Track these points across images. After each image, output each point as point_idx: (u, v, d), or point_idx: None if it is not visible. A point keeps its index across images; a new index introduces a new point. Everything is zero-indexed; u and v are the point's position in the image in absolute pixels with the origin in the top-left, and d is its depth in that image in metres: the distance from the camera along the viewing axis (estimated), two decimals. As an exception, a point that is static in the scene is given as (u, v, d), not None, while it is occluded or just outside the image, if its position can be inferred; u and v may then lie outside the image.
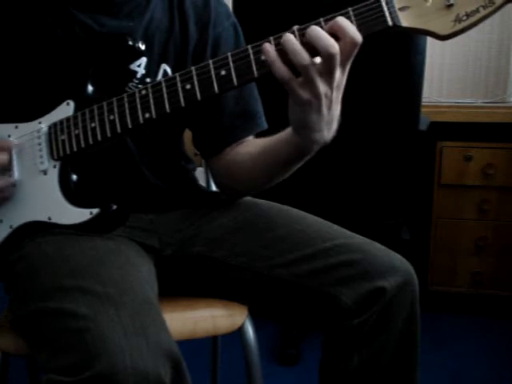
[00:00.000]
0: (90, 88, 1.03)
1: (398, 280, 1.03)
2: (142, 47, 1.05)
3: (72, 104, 1.03)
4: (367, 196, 1.90)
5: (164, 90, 0.93)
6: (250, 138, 1.19)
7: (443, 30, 0.83)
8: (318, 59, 0.85)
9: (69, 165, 1.03)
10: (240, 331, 1.12)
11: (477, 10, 0.81)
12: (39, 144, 1.04)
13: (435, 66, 2.63)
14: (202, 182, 1.30)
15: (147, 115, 0.95)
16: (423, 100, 1.87)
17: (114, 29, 1.08)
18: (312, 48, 0.84)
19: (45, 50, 1.07)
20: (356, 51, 0.84)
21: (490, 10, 0.80)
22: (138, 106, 0.95)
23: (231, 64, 0.89)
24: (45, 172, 1.04)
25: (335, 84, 0.86)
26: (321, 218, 1.16)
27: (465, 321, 2.34)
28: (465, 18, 0.81)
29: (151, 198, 1.17)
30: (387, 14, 0.83)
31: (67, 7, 1.07)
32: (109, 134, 0.98)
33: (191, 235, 1.16)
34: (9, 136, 1.07)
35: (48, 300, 0.90)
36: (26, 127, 1.06)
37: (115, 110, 0.97)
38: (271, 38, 0.86)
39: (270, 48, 0.86)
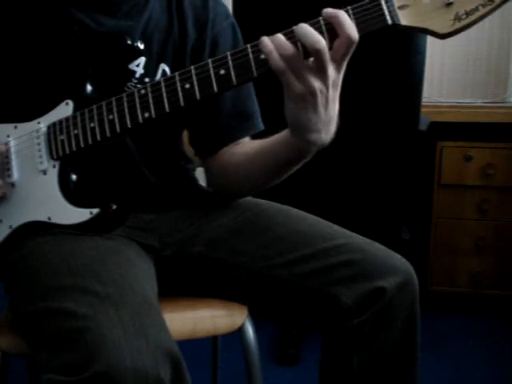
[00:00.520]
0: (88, 88, 1.03)
1: (398, 280, 1.03)
2: (141, 46, 1.05)
3: (71, 104, 1.03)
4: (367, 196, 1.90)
5: (163, 89, 0.93)
6: (247, 139, 1.18)
7: (442, 29, 0.83)
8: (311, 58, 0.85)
9: (68, 165, 1.03)
10: (240, 331, 1.12)
11: (476, 9, 0.80)
12: (38, 144, 1.04)
13: (435, 66, 2.63)
14: (202, 182, 1.30)
15: (146, 115, 0.95)
16: (423, 100, 1.87)
17: (112, 28, 1.08)
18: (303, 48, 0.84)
19: (44, 50, 1.07)
20: (352, 50, 0.84)
21: (489, 8, 0.80)
22: (138, 106, 0.95)
23: (230, 63, 0.89)
24: (44, 172, 1.04)
25: (330, 81, 0.86)
26: (321, 218, 1.16)
27: (465, 321, 2.34)
28: (464, 16, 0.81)
29: (151, 198, 1.17)
30: (386, 12, 0.83)
31: (66, 7, 1.07)
32: (108, 134, 0.98)
33: (191, 235, 1.16)
34: (8, 136, 1.07)
35: (48, 300, 0.90)
36: (25, 127, 1.06)
37: (114, 109, 0.97)
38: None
39: (267, 40, 0.86)
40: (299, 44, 0.84)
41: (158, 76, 1.11)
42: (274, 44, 0.85)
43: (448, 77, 2.67)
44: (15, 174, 1.06)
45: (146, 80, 1.10)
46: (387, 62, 1.73)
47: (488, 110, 2.29)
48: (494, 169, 2.24)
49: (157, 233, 1.16)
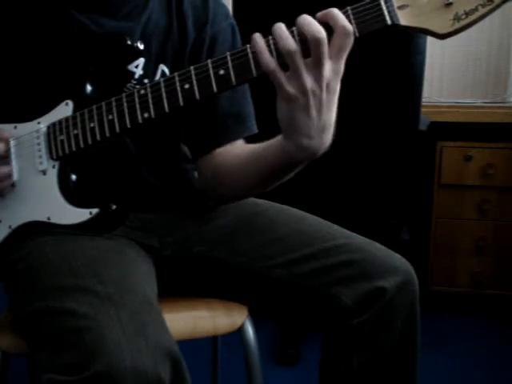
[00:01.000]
0: (88, 88, 1.03)
1: (398, 280, 1.03)
2: (141, 47, 1.05)
3: (71, 104, 1.03)
4: (367, 196, 1.90)
5: (163, 89, 0.93)
6: (240, 141, 1.16)
7: (442, 29, 0.83)
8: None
9: (68, 165, 1.03)
10: (240, 331, 1.12)
11: (476, 9, 0.80)
12: (38, 144, 1.04)
13: (435, 66, 2.63)
14: (202, 182, 1.30)
15: (146, 115, 0.95)
16: (423, 100, 1.87)
17: (112, 29, 1.08)
18: (304, 44, 0.84)
19: (43, 51, 1.07)
20: (348, 46, 0.84)
21: (488, 8, 0.80)
22: (137, 106, 0.95)
23: (230, 63, 0.89)
24: (44, 172, 1.04)
25: (325, 82, 0.85)
26: (321, 218, 1.16)
27: (465, 321, 2.34)
28: (464, 16, 0.81)
29: (151, 198, 1.17)
30: (386, 12, 0.83)
31: (66, 8, 1.07)
32: (108, 134, 0.98)
33: (191, 235, 1.16)
34: (8, 136, 1.07)
35: (48, 300, 0.90)
36: (25, 127, 1.06)
37: (114, 109, 0.97)
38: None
39: (259, 39, 0.86)
40: (297, 40, 0.84)
41: (158, 77, 1.11)
42: (278, 35, 0.84)
43: (448, 77, 2.67)
44: (15, 174, 1.06)
45: (146, 81, 1.09)
46: (387, 62, 1.73)
47: (488, 110, 2.29)
48: (493, 169, 2.24)
49: (156, 233, 1.16)
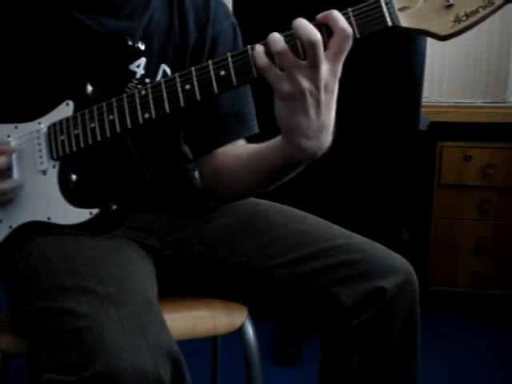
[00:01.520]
0: (89, 88, 1.03)
1: (398, 280, 1.03)
2: (142, 47, 1.05)
3: (71, 104, 1.03)
4: (367, 196, 1.90)
5: (164, 90, 0.93)
6: (242, 141, 1.17)
7: (443, 31, 0.83)
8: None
9: (68, 165, 1.04)
10: (240, 331, 1.12)
11: (476, 11, 0.80)
12: (39, 144, 1.04)
13: (435, 66, 2.63)
14: (202, 182, 1.30)
15: (147, 115, 0.95)
16: (423, 100, 1.87)
17: (113, 29, 1.08)
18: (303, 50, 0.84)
19: (44, 50, 1.07)
20: (346, 47, 0.84)
21: (489, 10, 0.80)
22: (138, 107, 0.95)
23: (231, 64, 0.89)
24: (44, 172, 1.04)
25: (322, 83, 0.85)
26: (321, 218, 1.16)
27: (465, 321, 2.34)
28: (464, 18, 0.81)
29: (151, 198, 1.17)
30: (387, 14, 0.83)
31: (67, 8, 1.07)
32: (108, 134, 0.98)
33: (191, 235, 1.16)
34: (8, 136, 1.07)
35: (48, 299, 0.90)
36: (26, 127, 1.06)
37: (115, 110, 0.97)
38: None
39: (257, 45, 0.87)
40: (298, 44, 0.84)
41: (159, 76, 1.11)
42: (269, 39, 0.85)
43: (448, 77, 2.67)
44: (15, 174, 1.06)
45: (147, 81, 1.10)
46: (387, 62, 1.73)
47: (488, 110, 2.29)
48: (493, 169, 2.24)
49: (157, 233, 1.16)
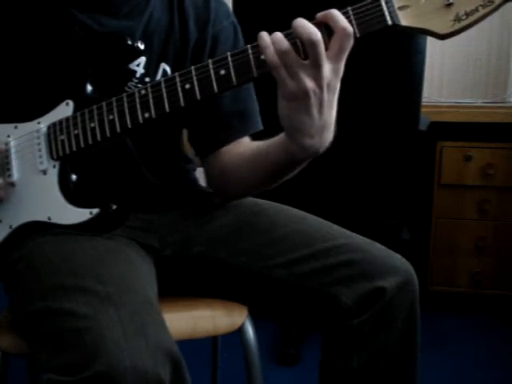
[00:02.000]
0: (89, 88, 1.03)
1: (398, 280, 1.03)
2: (141, 46, 1.05)
3: (71, 104, 1.03)
4: (367, 196, 1.90)
5: (163, 89, 0.93)
6: (246, 139, 1.17)
7: (442, 29, 0.83)
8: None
9: (68, 165, 1.04)
10: (240, 331, 1.12)
11: (476, 10, 0.80)
12: (38, 144, 1.04)
13: (435, 66, 2.63)
14: (202, 182, 1.30)
15: (147, 115, 0.95)
16: (423, 100, 1.87)
17: (113, 28, 1.08)
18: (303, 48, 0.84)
19: (44, 50, 1.07)
20: (348, 47, 0.84)
21: (489, 9, 0.80)
22: (138, 106, 0.95)
23: (230, 63, 0.89)
24: (44, 172, 1.04)
25: (325, 82, 0.85)
26: (321, 218, 1.16)
27: (465, 321, 2.34)
28: (464, 17, 0.81)
29: (151, 198, 1.17)
30: (386, 13, 0.83)
31: (67, 7, 1.07)
32: (108, 134, 0.98)
33: (191, 235, 1.16)
34: (8, 136, 1.07)
35: (48, 300, 0.90)
36: (26, 127, 1.06)
37: (114, 109, 0.97)
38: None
39: (266, 35, 0.86)
40: (298, 42, 0.84)
41: (159, 76, 1.11)
42: (272, 39, 0.85)
43: (448, 77, 2.67)
44: (15, 174, 1.06)
45: (147, 80, 1.10)
46: (387, 62, 1.73)
47: (488, 110, 2.29)
48: (494, 169, 2.24)
49: (157, 233, 1.16)
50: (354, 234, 1.11)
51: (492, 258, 2.33)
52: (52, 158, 1.03)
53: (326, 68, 0.84)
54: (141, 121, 0.95)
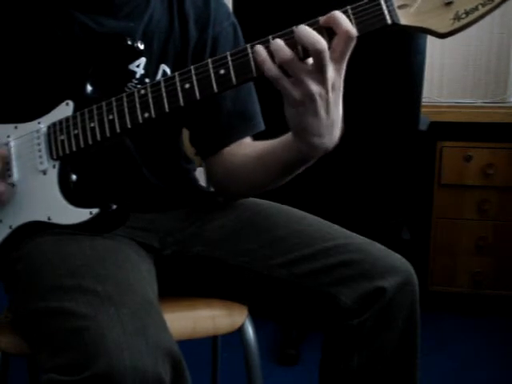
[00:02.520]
0: (89, 88, 1.03)
1: (398, 280, 1.03)
2: (141, 47, 1.05)
3: (71, 104, 1.03)
4: (367, 196, 1.90)
5: (163, 89, 0.93)
6: (248, 139, 1.18)
7: (442, 28, 0.83)
8: (310, 60, 0.85)
9: (68, 165, 1.03)
10: (240, 331, 1.12)
11: (476, 8, 0.80)
12: (38, 144, 1.04)
13: (435, 66, 2.63)
14: (202, 182, 1.30)
15: (146, 115, 0.95)
16: (423, 100, 1.87)
17: (113, 29, 1.08)
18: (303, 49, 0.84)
19: (44, 51, 1.07)
20: (350, 48, 0.84)
21: (489, 7, 0.80)
22: (137, 106, 0.95)
23: (230, 63, 0.89)
24: (44, 172, 1.04)
25: (329, 83, 0.85)
26: (321, 218, 1.16)
27: (465, 321, 2.34)
28: (464, 15, 0.81)
29: (151, 198, 1.17)
30: (386, 12, 0.83)
31: (67, 8, 1.07)
32: (108, 134, 0.98)
33: (191, 235, 1.16)
34: (8, 136, 1.07)
35: (48, 299, 0.90)
36: (26, 127, 1.06)
37: (114, 109, 0.97)
38: (270, 38, 0.87)
39: (261, 49, 0.86)
40: (299, 46, 0.84)
41: (159, 76, 1.11)
42: (273, 48, 0.85)
43: (448, 77, 2.67)
44: (15, 174, 1.06)
45: (147, 80, 1.10)
46: (387, 62, 1.73)
47: (488, 109, 2.29)
48: (494, 169, 2.25)
49: (157, 233, 1.16)
50: (354, 234, 1.11)
51: (492, 258, 2.33)
52: (52, 158, 1.03)
53: (330, 70, 0.85)
54: (140, 121, 0.95)
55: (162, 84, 0.93)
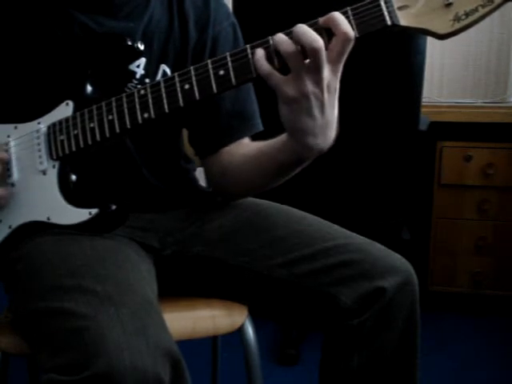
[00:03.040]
0: (89, 88, 1.03)
1: (398, 280, 1.03)
2: (141, 47, 1.05)
3: (71, 104, 1.03)
4: (367, 196, 1.90)
5: (163, 89, 0.93)
6: (246, 140, 1.18)
7: (442, 29, 0.83)
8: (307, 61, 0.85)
9: (68, 165, 1.04)
10: (240, 331, 1.12)
11: (476, 9, 0.80)
12: (38, 144, 1.04)
13: (435, 66, 2.63)
14: (202, 182, 1.30)
15: (146, 115, 0.95)
16: (423, 100, 1.87)
17: (113, 29, 1.08)
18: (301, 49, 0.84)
19: (44, 51, 1.07)
20: (348, 49, 0.84)
21: (488, 8, 0.80)
22: (137, 106, 0.95)
23: (230, 64, 0.89)
24: (44, 172, 1.04)
25: (325, 84, 0.86)
26: (321, 218, 1.16)
27: (465, 321, 2.34)
28: (464, 17, 0.81)
29: (151, 198, 1.17)
30: (386, 13, 0.83)
31: (67, 8, 1.07)
32: (107, 134, 0.98)
33: (191, 235, 1.16)
34: (8, 136, 1.07)
35: (48, 299, 0.90)
36: (25, 127, 1.06)
37: (114, 110, 0.97)
38: (269, 38, 0.87)
39: (259, 50, 0.87)
40: (298, 46, 0.84)
41: (159, 77, 1.11)
42: (276, 41, 0.85)
43: (448, 77, 2.67)
44: (15, 174, 1.06)
45: (147, 81, 1.10)
46: (387, 62, 1.73)
47: (488, 109, 2.29)
48: (494, 169, 2.25)
49: (157, 233, 1.16)
50: (354, 234, 1.11)
51: (492, 258, 2.33)
52: (52, 158, 1.03)
53: (326, 70, 0.85)
54: (140, 121, 0.95)
55: (162, 84, 0.93)
